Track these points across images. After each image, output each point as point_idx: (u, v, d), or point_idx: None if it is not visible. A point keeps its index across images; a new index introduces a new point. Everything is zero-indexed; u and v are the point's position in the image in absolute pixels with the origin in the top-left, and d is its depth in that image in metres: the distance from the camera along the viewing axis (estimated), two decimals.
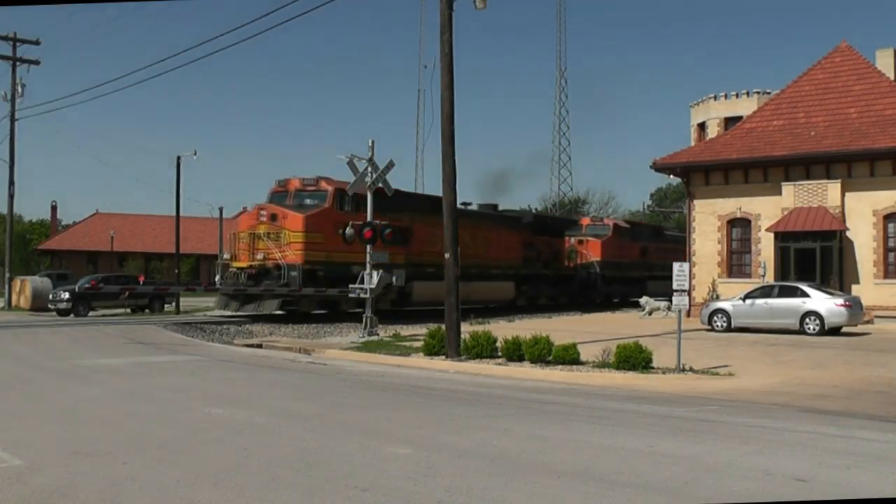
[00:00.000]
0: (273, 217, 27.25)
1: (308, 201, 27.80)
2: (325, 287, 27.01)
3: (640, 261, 45.88)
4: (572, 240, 42.97)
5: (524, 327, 22.92)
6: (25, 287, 36.03)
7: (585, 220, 45.49)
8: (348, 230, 24.33)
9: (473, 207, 37.15)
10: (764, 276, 28.39)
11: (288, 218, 26.99)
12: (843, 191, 28.24)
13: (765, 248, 29.42)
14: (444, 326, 17.03)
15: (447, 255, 17.19)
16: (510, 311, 34.10)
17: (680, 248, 49.71)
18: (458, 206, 32.15)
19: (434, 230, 30.41)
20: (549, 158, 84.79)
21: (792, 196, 28.90)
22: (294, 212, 27.13)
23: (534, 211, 56.78)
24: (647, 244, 46.93)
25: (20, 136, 36.44)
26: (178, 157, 35.31)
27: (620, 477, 6.45)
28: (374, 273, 22.57)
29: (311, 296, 27.01)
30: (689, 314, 22.34)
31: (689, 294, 20.79)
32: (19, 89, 38.08)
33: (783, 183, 29.20)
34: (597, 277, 42.31)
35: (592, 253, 42.87)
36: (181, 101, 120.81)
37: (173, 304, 35.86)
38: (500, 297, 36.25)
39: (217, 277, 28.05)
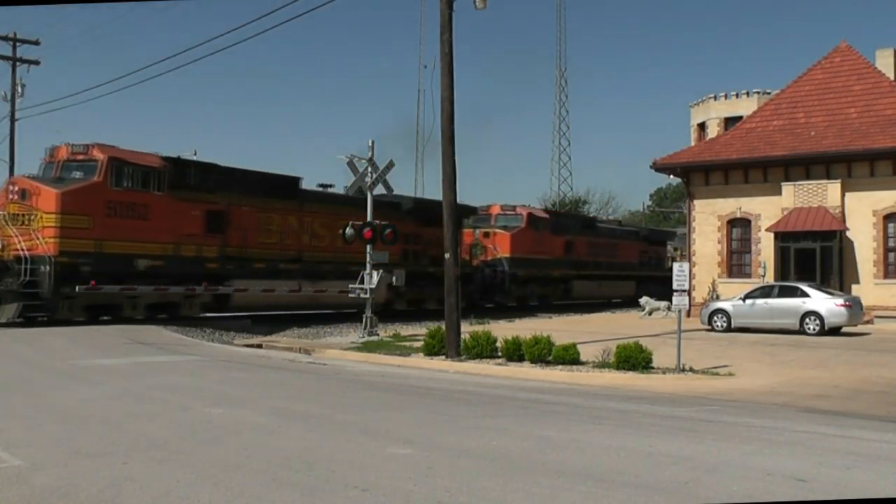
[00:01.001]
0: (23, 194, 21.28)
1: (76, 174, 21.91)
2: (100, 285, 21.39)
3: (563, 258, 39.74)
4: (477, 232, 36.39)
5: (524, 327, 22.92)
6: None
7: (495, 209, 37.69)
8: (348, 230, 23.25)
9: (335, 190, 29.95)
10: (764, 276, 28.39)
11: (41, 195, 20.99)
12: (843, 191, 28.25)
13: (765, 248, 29.42)
14: (444, 326, 17.04)
15: (447, 255, 17.20)
16: (394, 318, 28.91)
17: (619, 243, 45.96)
18: (316, 187, 29.06)
19: (263, 216, 25.90)
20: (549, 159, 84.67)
21: (792, 196, 28.90)
22: (49, 187, 21.14)
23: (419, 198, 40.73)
24: (573, 238, 40.95)
25: (20, 136, 36.39)
26: (178, 156, 35.22)
27: (620, 477, 6.45)
28: (375, 273, 22.56)
29: (74, 297, 21.25)
30: (689, 314, 22.34)
31: (689, 294, 20.79)
32: (19, 89, 38.08)
33: (783, 183, 29.20)
34: (504, 277, 35.60)
35: (501, 248, 35.99)
36: (181, 101, 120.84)
37: None
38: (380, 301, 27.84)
39: None
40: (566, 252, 40.08)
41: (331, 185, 29.86)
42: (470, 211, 34.98)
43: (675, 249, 51.55)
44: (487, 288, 35.61)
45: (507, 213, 37.64)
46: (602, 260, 43.42)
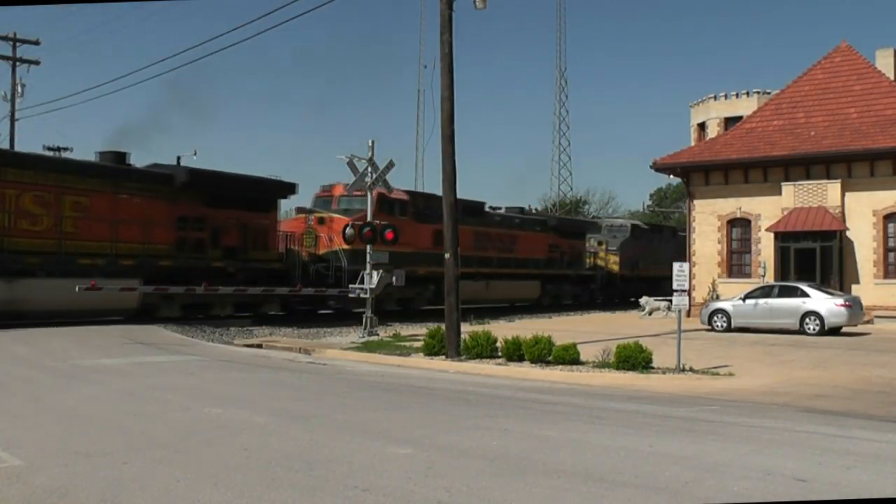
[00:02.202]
0: None
1: None
2: None
3: (434, 251, 29.58)
4: (310, 218, 29.15)
5: (524, 327, 22.93)
6: None
7: (338, 188, 29.07)
8: (348, 230, 23.44)
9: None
10: (764, 276, 28.41)
11: None
12: (843, 191, 28.26)
13: (765, 248, 29.43)
14: (444, 326, 17.04)
15: (447, 255, 17.20)
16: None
17: (518, 234, 36.78)
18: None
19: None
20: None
21: (792, 196, 28.91)
22: None
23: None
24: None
25: (20, 136, 36.40)
26: (178, 158, 35.25)
27: (620, 477, 6.45)
28: (375, 273, 22.56)
29: None
30: (689, 314, 22.35)
31: (689, 294, 20.80)
32: (19, 89, 38.09)
33: (783, 183, 29.21)
34: (342, 274, 27.54)
35: (340, 237, 27.50)
36: (180, 101, 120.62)
37: None
38: (118, 305, 23.01)
39: None
40: (437, 244, 28.93)
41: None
42: (287, 189, 28.35)
43: (601, 244, 44.40)
44: (313, 286, 27.62)
45: (354, 193, 28.32)
46: (492, 255, 35.21)
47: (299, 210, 29.93)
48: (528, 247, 37.65)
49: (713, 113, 49.84)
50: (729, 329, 23.82)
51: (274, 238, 27.64)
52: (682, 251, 45.98)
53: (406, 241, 27.97)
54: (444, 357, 16.57)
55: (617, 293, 43.50)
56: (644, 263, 45.27)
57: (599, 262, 44.13)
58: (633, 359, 14.27)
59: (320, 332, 24.42)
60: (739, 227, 30.91)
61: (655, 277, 44.11)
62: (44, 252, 21.24)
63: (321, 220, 28.78)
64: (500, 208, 38.81)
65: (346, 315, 27.50)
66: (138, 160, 26.75)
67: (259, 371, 14.57)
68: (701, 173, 31.49)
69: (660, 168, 32.62)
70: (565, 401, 11.36)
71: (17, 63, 38.08)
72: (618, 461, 7.04)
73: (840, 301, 22.90)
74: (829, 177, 28.51)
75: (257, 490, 5.96)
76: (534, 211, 58.16)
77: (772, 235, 28.78)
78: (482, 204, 35.60)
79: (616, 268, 44.56)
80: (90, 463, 6.87)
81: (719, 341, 20.75)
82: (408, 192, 31.48)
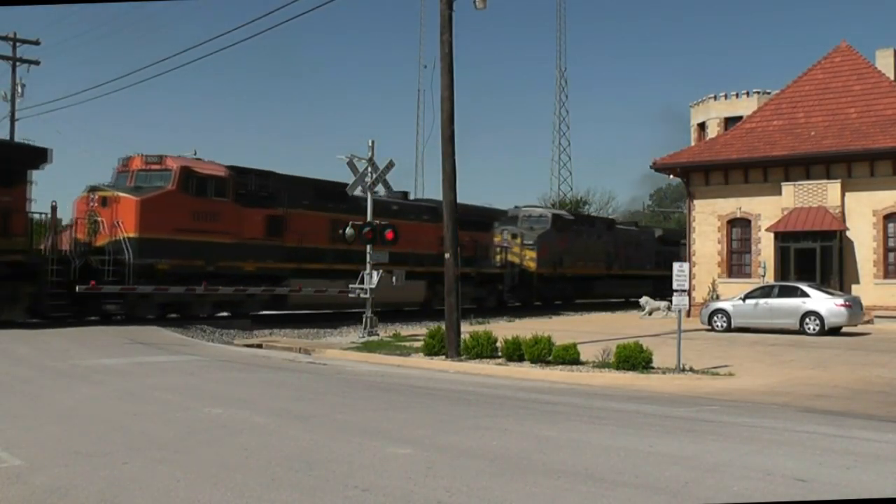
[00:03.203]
0: None
1: None
2: None
3: (266, 242, 25.42)
4: (94, 198, 22.78)
5: (524, 327, 22.92)
6: None
7: (136, 161, 23.68)
8: (348, 230, 23.08)
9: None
10: (764, 276, 28.41)
11: None
12: (843, 191, 28.26)
13: (765, 248, 29.43)
14: (444, 326, 17.04)
15: (447, 256, 17.20)
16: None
17: (398, 224, 26.22)
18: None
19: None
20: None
21: (792, 196, 28.91)
22: None
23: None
24: (290, 212, 26.07)
25: (20, 136, 36.35)
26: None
27: (620, 477, 6.45)
28: (374, 273, 22.57)
29: None
30: (689, 314, 22.34)
31: (689, 294, 20.80)
32: (19, 89, 38.08)
33: (783, 183, 29.21)
34: (128, 269, 21.76)
35: (125, 222, 22.06)
36: (181, 101, 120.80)
37: None
38: None
39: None
40: (273, 233, 25.61)
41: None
42: (38, 156, 22.15)
43: (515, 237, 36.90)
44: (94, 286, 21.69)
45: (152, 166, 23.32)
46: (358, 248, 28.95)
47: (89, 188, 23.42)
48: (411, 239, 28.74)
49: (713, 113, 49.82)
50: (729, 329, 23.82)
51: (19, 221, 21.16)
52: (623, 246, 43.69)
53: (221, 229, 23.85)
54: (444, 357, 16.57)
55: (533, 295, 37.51)
56: (570, 260, 38.94)
57: (512, 259, 36.47)
58: (634, 359, 14.27)
59: (320, 332, 24.41)
60: (739, 227, 30.91)
61: (585, 277, 40.16)
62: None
63: (104, 201, 22.44)
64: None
65: (346, 315, 27.34)
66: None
67: (259, 371, 14.56)
68: (701, 173, 31.49)
69: (660, 168, 32.62)
70: (565, 401, 11.36)
71: (17, 63, 38.07)
72: (618, 461, 7.04)
73: (840, 301, 22.91)
74: (829, 177, 28.51)
75: (257, 490, 5.96)
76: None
77: (772, 235, 28.78)
78: (337, 185, 26.63)
79: (533, 265, 36.71)
80: (90, 463, 6.87)
81: (719, 341, 20.75)
82: (230, 168, 24.91)
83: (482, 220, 34.77)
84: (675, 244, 44.52)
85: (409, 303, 31.06)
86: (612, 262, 43.01)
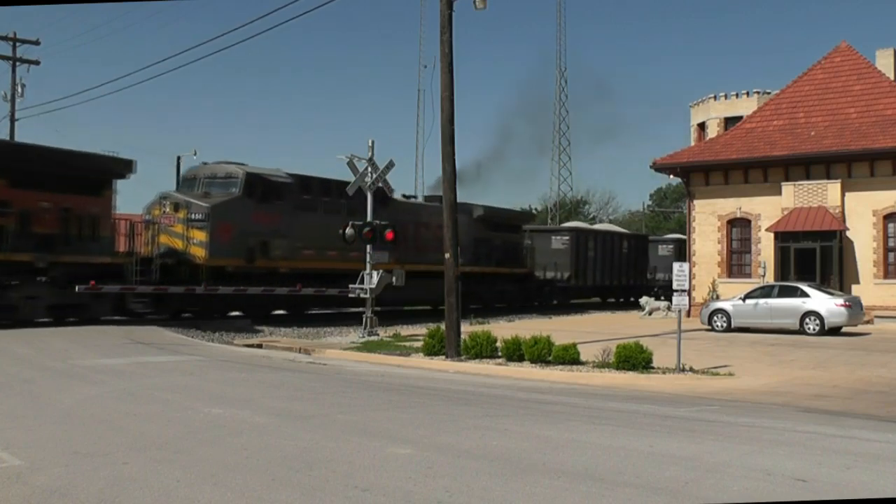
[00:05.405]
0: None
1: None
2: None
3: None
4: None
5: (524, 327, 22.92)
6: None
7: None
8: (348, 230, 23.25)
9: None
10: (764, 276, 28.43)
11: None
12: (843, 191, 28.28)
13: (765, 248, 29.45)
14: (443, 326, 17.05)
15: (447, 256, 17.21)
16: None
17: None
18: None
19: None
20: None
21: (792, 196, 28.93)
22: None
23: None
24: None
25: (20, 136, 36.37)
26: (179, 158, 35.18)
27: (620, 477, 6.45)
28: (374, 273, 22.56)
29: None
30: (689, 314, 22.35)
31: (689, 294, 20.81)
32: (19, 89, 38.08)
33: (783, 183, 29.23)
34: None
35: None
36: (181, 101, 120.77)
37: None
38: None
39: None
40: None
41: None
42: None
43: (179, 209, 23.98)
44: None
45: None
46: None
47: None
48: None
49: (713, 113, 49.86)
50: (729, 329, 23.83)
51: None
52: (406, 228, 27.89)
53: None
54: (444, 357, 16.57)
55: (199, 301, 24.43)
56: (284, 247, 26.00)
57: (172, 242, 24.21)
58: (634, 359, 14.27)
59: (320, 332, 24.41)
60: (739, 227, 30.93)
61: (318, 273, 26.64)
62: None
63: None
64: None
65: (346, 315, 27.46)
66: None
67: (259, 371, 14.56)
68: (701, 173, 31.51)
69: (660, 168, 32.64)
70: (565, 401, 11.36)
71: (17, 63, 38.08)
72: (618, 461, 7.04)
73: (840, 301, 22.92)
74: (829, 177, 28.53)
75: (257, 490, 5.97)
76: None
77: (772, 235, 28.80)
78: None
79: (202, 253, 23.89)
80: (90, 463, 6.87)
81: (719, 341, 20.76)
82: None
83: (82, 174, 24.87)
84: (512, 229, 36.60)
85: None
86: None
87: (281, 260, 26.02)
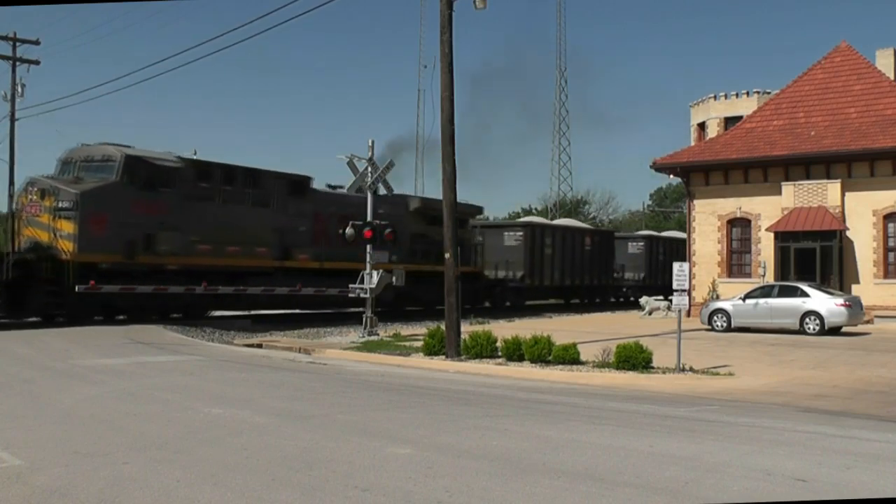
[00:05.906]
0: None
1: None
2: None
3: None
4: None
5: (524, 327, 22.92)
6: None
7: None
8: (348, 230, 23.23)
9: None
10: (764, 276, 28.42)
11: None
12: (843, 191, 28.27)
13: (765, 248, 29.44)
14: (443, 326, 17.04)
15: (447, 255, 17.20)
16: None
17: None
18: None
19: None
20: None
21: (792, 196, 28.92)
22: None
23: None
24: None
25: (20, 136, 36.40)
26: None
27: (620, 477, 6.45)
28: (374, 273, 22.55)
29: None
30: (689, 314, 22.35)
31: (689, 294, 20.80)
32: (19, 89, 38.05)
33: (783, 183, 29.22)
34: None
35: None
36: (181, 101, 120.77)
37: None
38: None
39: None
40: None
41: None
42: None
43: (46, 196, 21.94)
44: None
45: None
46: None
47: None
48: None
49: (713, 113, 49.82)
50: (729, 329, 23.82)
51: None
52: (325, 220, 27.00)
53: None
54: (444, 357, 16.57)
55: (66, 303, 21.50)
56: (176, 241, 23.34)
57: (36, 234, 22.10)
58: (634, 359, 14.27)
59: (320, 332, 24.42)
60: (739, 227, 30.92)
61: (223, 270, 24.38)
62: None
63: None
64: None
65: (346, 315, 27.39)
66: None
67: (259, 371, 14.56)
68: (701, 173, 31.50)
69: (660, 168, 32.63)
70: (565, 401, 11.36)
71: (17, 63, 38.06)
72: (618, 461, 7.04)
73: (840, 301, 22.91)
74: (829, 177, 28.52)
75: (257, 490, 5.97)
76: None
77: (772, 235, 28.79)
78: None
79: (70, 246, 21.36)
80: (90, 463, 6.87)
81: (719, 341, 20.75)
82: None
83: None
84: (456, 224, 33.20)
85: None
86: (296, 246, 27.08)
87: (169, 256, 22.96)
